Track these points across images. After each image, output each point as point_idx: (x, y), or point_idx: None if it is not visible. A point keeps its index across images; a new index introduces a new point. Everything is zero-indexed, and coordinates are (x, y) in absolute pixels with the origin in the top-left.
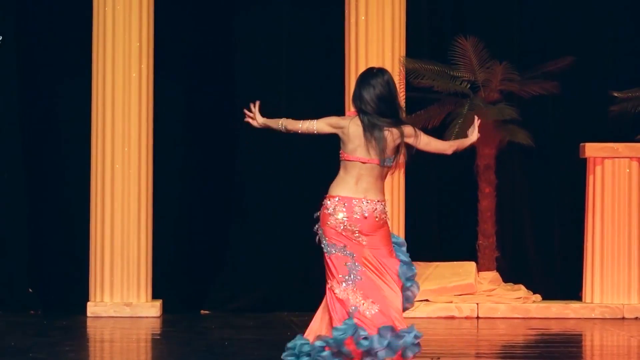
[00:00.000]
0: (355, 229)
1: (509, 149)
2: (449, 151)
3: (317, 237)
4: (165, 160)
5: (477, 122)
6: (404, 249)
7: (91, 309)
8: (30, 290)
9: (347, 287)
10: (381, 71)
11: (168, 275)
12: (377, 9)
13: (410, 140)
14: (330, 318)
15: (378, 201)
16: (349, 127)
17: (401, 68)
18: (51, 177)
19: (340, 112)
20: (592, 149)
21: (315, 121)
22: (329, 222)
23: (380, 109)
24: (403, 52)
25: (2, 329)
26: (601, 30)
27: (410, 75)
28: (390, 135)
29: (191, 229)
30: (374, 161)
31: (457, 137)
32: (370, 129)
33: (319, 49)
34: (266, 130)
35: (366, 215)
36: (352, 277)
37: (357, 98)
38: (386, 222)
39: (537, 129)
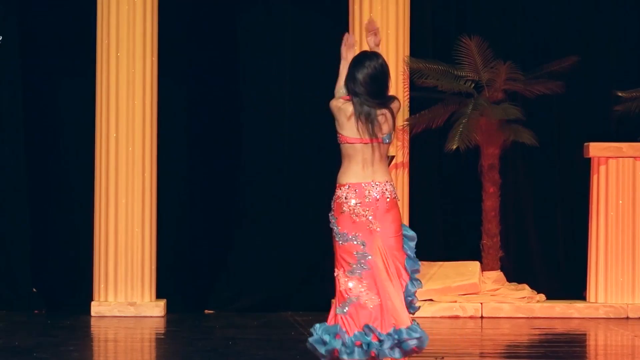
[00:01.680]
0: (368, 214)
1: (513, 148)
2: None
3: (330, 225)
4: (169, 159)
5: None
6: (413, 244)
7: (95, 308)
8: (34, 289)
9: (352, 276)
10: (375, 54)
11: (172, 275)
12: (381, 8)
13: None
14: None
15: (386, 182)
16: (347, 108)
17: (405, 68)
18: (55, 176)
19: None
20: (596, 149)
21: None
22: (342, 211)
23: (372, 89)
24: (407, 52)
25: (6, 329)
26: (605, 29)
27: (414, 75)
28: (384, 117)
29: (195, 228)
30: (377, 140)
31: (460, 137)
32: (362, 111)
33: (322, 49)
34: (270, 131)
35: (378, 197)
36: (360, 265)
37: (350, 79)
38: (397, 204)
39: (542, 128)
